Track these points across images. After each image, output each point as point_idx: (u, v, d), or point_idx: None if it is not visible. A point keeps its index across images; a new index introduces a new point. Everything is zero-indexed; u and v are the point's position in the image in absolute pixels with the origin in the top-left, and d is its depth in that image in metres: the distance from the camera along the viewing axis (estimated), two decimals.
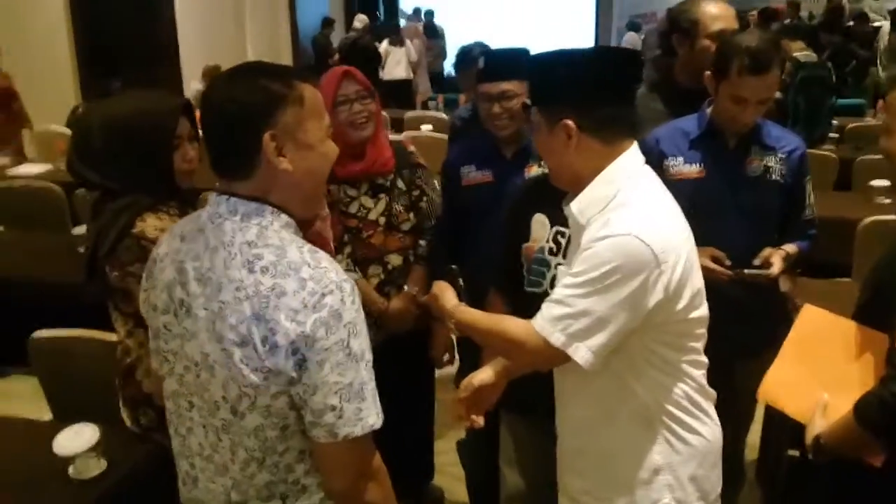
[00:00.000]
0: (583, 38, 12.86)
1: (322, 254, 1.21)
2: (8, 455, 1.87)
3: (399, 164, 2.34)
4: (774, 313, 2.19)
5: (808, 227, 2.18)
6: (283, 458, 1.24)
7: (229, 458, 1.25)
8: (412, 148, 2.43)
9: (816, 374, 1.61)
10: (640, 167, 1.43)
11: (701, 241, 1.47)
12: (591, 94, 1.37)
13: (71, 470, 1.70)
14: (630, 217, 1.32)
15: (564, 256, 1.76)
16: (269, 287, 1.14)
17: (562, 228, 1.76)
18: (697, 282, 1.40)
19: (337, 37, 10.57)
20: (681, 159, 2.09)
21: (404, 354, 2.34)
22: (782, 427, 2.36)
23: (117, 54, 7.10)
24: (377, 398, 1.21)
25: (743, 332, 2.02)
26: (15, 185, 4.39)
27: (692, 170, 2.09)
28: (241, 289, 1.16)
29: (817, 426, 1.52)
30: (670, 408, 1.42)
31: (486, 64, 2.12)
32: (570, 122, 1.36)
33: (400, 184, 2.34)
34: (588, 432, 1.50)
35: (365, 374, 1.19)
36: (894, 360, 1.40)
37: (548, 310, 1.35)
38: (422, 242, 2.37)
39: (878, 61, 8.19)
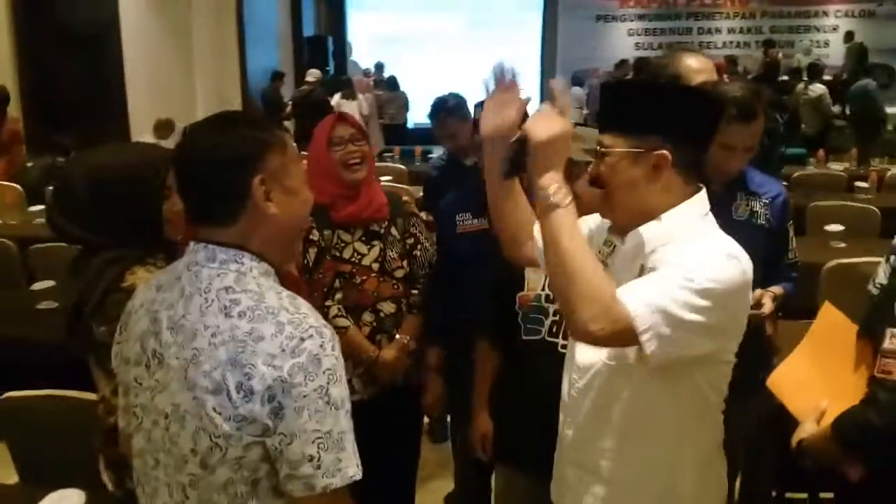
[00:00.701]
0: (529, 90, 13.14)
1: (301, 300, 1.19)
2: None
3: (393, 212, 2.34)
4: (758, 357, 2.22)
5: (792, 270, 2.25)
6: None
7: None
8: (406, 198, 2.46)
9: (823, 376, 1.66)
10: (706, 211, 1.41)
11: None
12: (691, 129, 1.35)
13: None
14: (725, 240, 1.34)
15: None
16: (246, 331, 1.12)
17: None
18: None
19: (286, 90, 10.61)
20: None
21: (395, 409, 2.30)
22: (764, 468, 2.38)
23: (65, 109, 6.97)
24: (356, 449, 1.17)
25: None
26: None
27: None
28: (216, 334, 1.13)
29: (805, 431, 1.59)
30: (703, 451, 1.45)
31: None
32: (666, 153, 1.32)
33: (394, 231, 2.33)
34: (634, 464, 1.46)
35: (344, 423, 1.15)
36: (874, 385, 1.47)
37: (647, 294, 1.24)
38: (415, 291, 2.34)
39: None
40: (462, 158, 3.27)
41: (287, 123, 9.83)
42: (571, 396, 1.51)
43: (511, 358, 2.03)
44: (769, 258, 2.17)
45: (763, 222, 2.15)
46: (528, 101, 1.50)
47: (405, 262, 2.33)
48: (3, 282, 3.80)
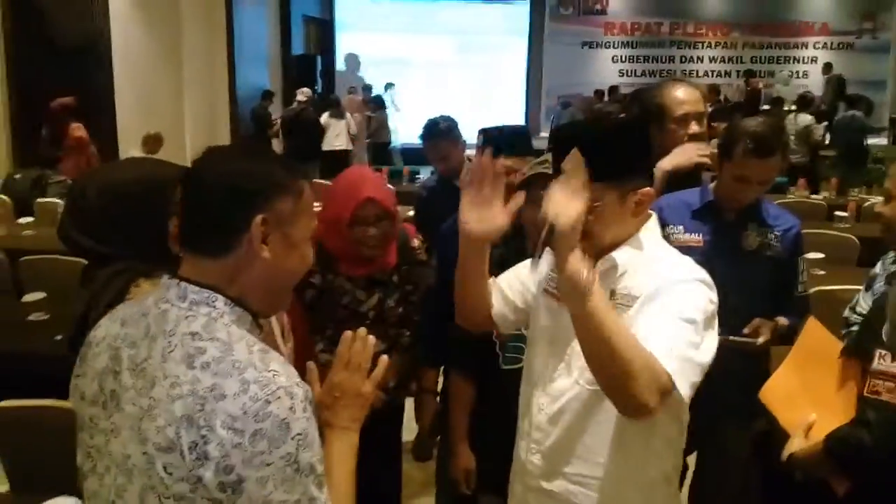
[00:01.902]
0: (513, 113, 13.36)
1: (274, 355, 1.07)
2: None
3: (400, 260, 2.27)
4: (758, 382, 2.16)
5: (801, 303, 2.23)
6: None
7: None
8: (416, 242, 2.37)
9: (809, 389, 1.73)
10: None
11: None
12: (650, 161, 1.44)
13: None
14: (689, 263, 1.42)
15: None
16: (208, 387, 1.00)
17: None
18: None
19: (275, 109, 10.66)
20: (681, 228, 2.18)
21: (375, 426, 2.28)
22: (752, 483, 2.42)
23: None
24: None
25: (728, 395, 2.04)
26: None
27: (692, 238, 2.16)
28: (175, 385, 1.01)
29: (795, 444, 1.66)
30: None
31: (489, 140, 2.11)
32: (650, 190, 1.40)
33: (396, 279, 2.28)
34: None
35: (314, 490, 1.03)
36: (864, 405, 1.55)
37: (667, 343, 1.27)
38: (406, 332, 2.31)
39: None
40: (454, 180, 3.29)
41: (275, 141, 9.91)
42: (538, 422, 1.50)
43: (489, 388, 2.02)
44: (777, 290, 2.19)
45: (773, 254, 2.16)
46: (518, 205, 1.46)
47: (401, 309, 2.28)
48: None
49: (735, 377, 2.03)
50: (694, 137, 2.31)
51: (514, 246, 1.89)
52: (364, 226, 2.09)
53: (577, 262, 1.24)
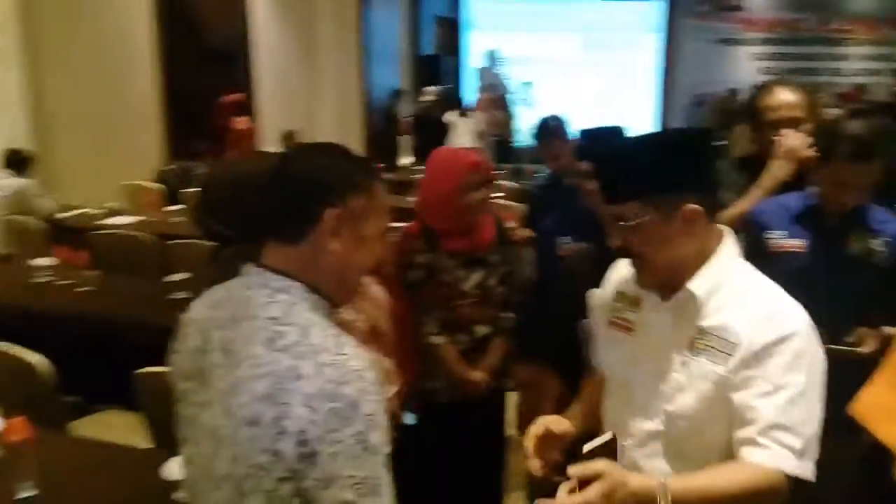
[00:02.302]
0: (644, 112, 13.11)
1: (346, 339, 1.16)
2: (115, 478, 2.02)
3: (498, 240, 2.39)
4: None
5: None
6: None
7: None
8: (511, 223, 2.50)
9: None
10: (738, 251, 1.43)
11: None
12: (701, 172, 1.34)
13: (177, 495, 1.83)
14: (790, 310, 1.34)
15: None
16: (286, 368, 1.10)
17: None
18: None
19: (404, 107, 10.97)
20: (783, 233, 2.13)
21: (477, 414, 2.36)
22: None
23: (202, 119, 7.52)
24: (392, 496, 1.14)
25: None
26: (113, 234, 4.70)
27: (794, 243, 2.12)
28: (257, 365, 1.12)
29: None
30: None
31: (583, 149, 2.16)
32: (696, 206, 1.31)
33: (495, 258, 2.38)
34: None
35: (381, 470, 1.11)
36: None
37: (772, 437, 1.27)
38: (508, 315, 2.39)
39: None
40: (564, 178, 3.33)
41: (405, 139, 10.22)
42: (628, 457, 1.44)
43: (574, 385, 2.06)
44: (883, 297, 2.10)
45: (878, 261, 2.09)
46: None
47: (503, 288, 2.38)
48: (142, 272, 4.19)
49: (835, 388, 2.01)
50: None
51: (595, 238, 1.92)
52: (471, 192, 2.24)
53: (641, 484, 1.21)
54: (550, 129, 3.40)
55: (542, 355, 2.22)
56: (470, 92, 12.23)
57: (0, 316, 3.33)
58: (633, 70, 13.89)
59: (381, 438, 1.11)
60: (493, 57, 12.90)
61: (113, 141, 6.80)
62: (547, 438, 1.45)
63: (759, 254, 2.03)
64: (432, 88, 10.24)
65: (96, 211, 5.67)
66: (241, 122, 7.39)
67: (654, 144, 1.37)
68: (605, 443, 1.21)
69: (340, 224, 1.18)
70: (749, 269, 1.42)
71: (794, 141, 2.21)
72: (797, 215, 2.15)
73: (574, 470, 1.16)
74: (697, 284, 1.35)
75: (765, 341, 1.29)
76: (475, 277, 2.35)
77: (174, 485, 1.85)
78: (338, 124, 9.90)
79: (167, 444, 2.29)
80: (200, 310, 1.27)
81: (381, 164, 7.33)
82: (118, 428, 2.65)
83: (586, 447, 1.17)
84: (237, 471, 1.13)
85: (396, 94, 10.96)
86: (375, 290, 2.06)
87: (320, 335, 1.13)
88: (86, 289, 3.65)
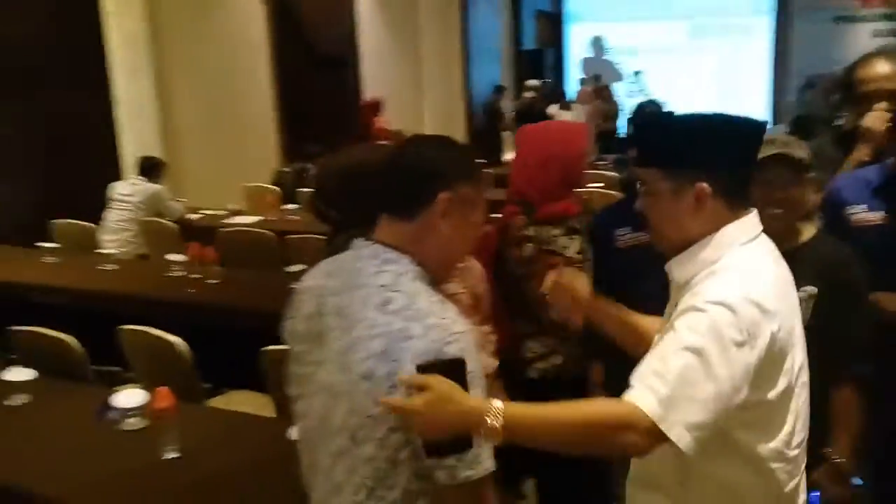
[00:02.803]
0: (758, 97, 12.67)
1: (449, 305, 1.29)
2: (247, 441, 2.26)
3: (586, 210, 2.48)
4: None
5: None
6: (391, 494, 1.28)
7: (343, 481, 1.30)
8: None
9: None
10: (756, 236, 1.36)
11: (877, 287, 1.48)
12: (725, 157, 1.33)
13: None
14: (738, 279, 1.27)
15: None
16: (398, 329, 1.23)
17: None
18: (799, 360, 1.35)
19: (507, 103, 11.07)
20: (864, 206, 2.09)
21: (579, 381, 2.40)
22: None
23: (314, 122, 7.89)
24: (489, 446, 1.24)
25: None
26: (237, 232, 5.08)
27: (875, 216, 2.08)
28: (372, 326, 1.25)
29: None
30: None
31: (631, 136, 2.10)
32: (705, 186, 1.31)
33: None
34: None
35: None
36: None
37: (642, 379, 1.23)
38: None
39: None
40: None
41: (507, 133, 10.33)
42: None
43: None
44: None
45: None
46: None
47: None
48: (264, 264, 4.52)
49: None
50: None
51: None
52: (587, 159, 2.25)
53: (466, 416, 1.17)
54: (647, 115, 3.41)
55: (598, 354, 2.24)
56: (573, 85, 12.19)
57: (141, 306, 3.71)
58: (743, 55, 13.43)
59: (479, 394, 1.23)
60: (597, 45, 12.80)
61: (233, 147, 7.26)
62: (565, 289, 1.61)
63: (840, 230, 2.01)
64: (534, 83, 10.29)
65: (220, 212, 6.09)
66: (381, 121, 7.96)
67: (687, 120, 1.38)
68: (448, 362, 1.19)
69: (451, 207, 1.31)
70: (752, 249, 1.35)
71: (874, 122, 2.18)
72: (876, 188, 2.10)
73: (404, 378, 1.19)
74: (676, 262, 1.37)
75: (692, 303, 1.27)
76: (576, 244, 2.37)
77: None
78: (442, 122, 10.11)
79: (286, 414, 2.51)
80: (313, 280, 1.41)
81: (485, 160, 7.47)
82: (245, 405, 2.89)
83: (419, 362, 1.18)
84: (352, 421, 1.27)
85: (498, 89, 11.06)
86: (475, 265, 2.17)
87: (426, 301, 1.27)
88: (214, 281, 3.97)
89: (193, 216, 5.93)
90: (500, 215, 2.43)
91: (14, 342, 2.92)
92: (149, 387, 2.41)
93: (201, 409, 2.73)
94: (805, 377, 1.37)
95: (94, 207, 5.44)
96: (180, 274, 4.09)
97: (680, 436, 1.18)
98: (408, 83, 10.12)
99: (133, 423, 2.25)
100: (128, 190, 5.51)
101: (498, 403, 1.17)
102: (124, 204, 5.43)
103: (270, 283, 3.87)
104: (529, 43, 13.16)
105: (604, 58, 12.61)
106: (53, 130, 5.63)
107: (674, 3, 13.60)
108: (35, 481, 2.02)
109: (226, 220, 5.69)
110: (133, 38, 6.36)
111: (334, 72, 8.64)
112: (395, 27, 10.05)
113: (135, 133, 6.41)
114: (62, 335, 2.78)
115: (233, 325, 3.46)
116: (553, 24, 13.99)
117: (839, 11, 13.40)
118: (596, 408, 1.28)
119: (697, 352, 1.20)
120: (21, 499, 1.99)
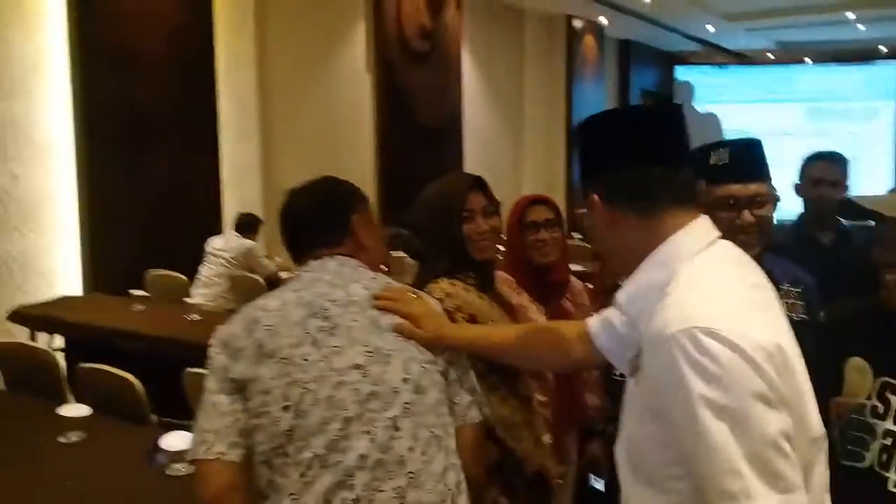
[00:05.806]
0: (881, 181, 11.94)
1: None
2: None
3: None
4: None
5: None
6: (451, 442, 1.41)
7: (408, 447, 1.33)
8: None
9: None
10: (706, 244, 1.11)
11: None
12: (606, 159, 1.15)
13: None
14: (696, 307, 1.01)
15: None
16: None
17: (893, 380, 1.43)
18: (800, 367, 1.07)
19: None
20: None
21: None
22: None
23: (414, 189, 7.91)
24: None
25: None
26: None
27: None
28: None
29: None
30: None
31: (732, 157, 1.69)
32: (595, 197, 1.15)
33: None
34: None
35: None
36: None
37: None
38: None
39: None
40: None
41: None
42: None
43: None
44: None
45: None
46: None
47: None
48: None
49: None
50: None
51: None
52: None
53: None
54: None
55: None
56: None
57: None
58: (864, 140, 12.79)
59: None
60: (707, 123, 12.52)
61: None
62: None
63: None
64: None
65: None
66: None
67: (579, 129, 1.23)
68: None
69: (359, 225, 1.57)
70: (698, 264, 1.08)
71: None
72: None
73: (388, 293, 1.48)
74: (622, 291, 1.17)
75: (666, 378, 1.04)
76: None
77: None
78: (543, 189, 9.97)
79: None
80: (283, 297, 1.43)
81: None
82: None
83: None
84: (413, 370, 1.38)
85: None
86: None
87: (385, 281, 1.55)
88: None
89: (284, 274, 5.91)
90: None
91: (77, 378, 2.86)
92: None
93: None
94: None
95: (193, 261, 5.51)
96: None
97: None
98: (509, 159, 10.14)
99: (179, 468, 2.08)
100: (222, 244, 5.56)
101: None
102: (218, 258, 5.48)
103: None
104: None
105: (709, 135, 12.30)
106: (163, 186, 5.80)
107: (787, 85, 13.24)
108: None
109: None
110: (243, 103, 6.58)
111: (437, 144, 8.72)
112: (501, 104, 10.14)
113: (238, 191, 6.55)
114: (124, 373, 2.68)
115: None
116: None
117: None
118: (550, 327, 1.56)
119: (720, 431, 0.95)
120: None
